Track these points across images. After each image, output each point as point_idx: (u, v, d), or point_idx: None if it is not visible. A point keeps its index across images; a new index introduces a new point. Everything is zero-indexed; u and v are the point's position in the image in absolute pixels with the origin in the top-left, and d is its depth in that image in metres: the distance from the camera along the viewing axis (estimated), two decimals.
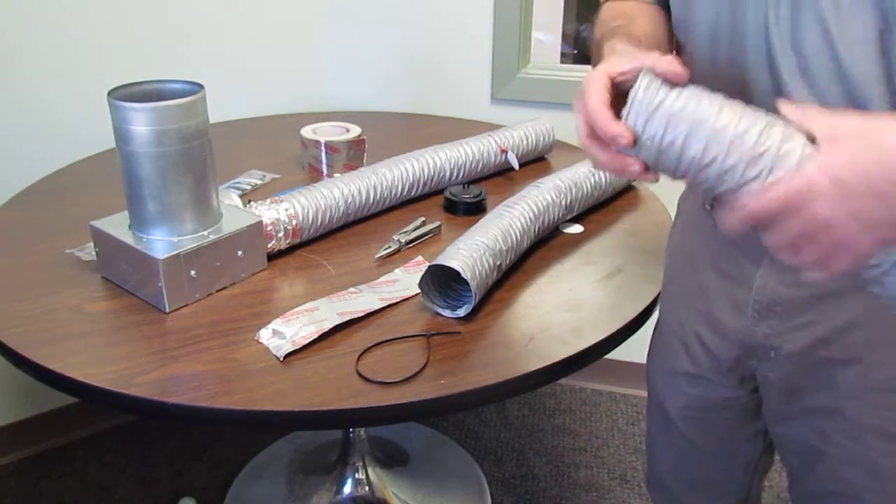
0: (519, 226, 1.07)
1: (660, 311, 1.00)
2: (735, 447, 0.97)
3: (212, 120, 1.00)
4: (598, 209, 1.30)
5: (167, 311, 0.97)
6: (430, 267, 0.96)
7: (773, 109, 0.65)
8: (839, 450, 0.81)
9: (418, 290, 0.98)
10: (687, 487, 1.03)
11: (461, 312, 0.97)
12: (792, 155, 0.57)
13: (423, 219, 1.21)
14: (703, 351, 0.90)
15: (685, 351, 0.92)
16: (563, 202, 1.18)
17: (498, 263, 1.01)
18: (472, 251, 0.97)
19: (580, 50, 2.52)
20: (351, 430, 1.57)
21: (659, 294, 1.04)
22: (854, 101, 0.66)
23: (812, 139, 0.58)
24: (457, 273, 0.94)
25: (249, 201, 1.11)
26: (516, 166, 1.42)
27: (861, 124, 0.56)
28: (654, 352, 1.02)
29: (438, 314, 0.98)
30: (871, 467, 0.80)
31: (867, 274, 0.63)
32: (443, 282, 1.00)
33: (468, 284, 0.94)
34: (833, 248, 0.57)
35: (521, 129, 1.46)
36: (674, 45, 0.86)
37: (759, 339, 0.82)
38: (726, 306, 0.85)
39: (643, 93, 0.61)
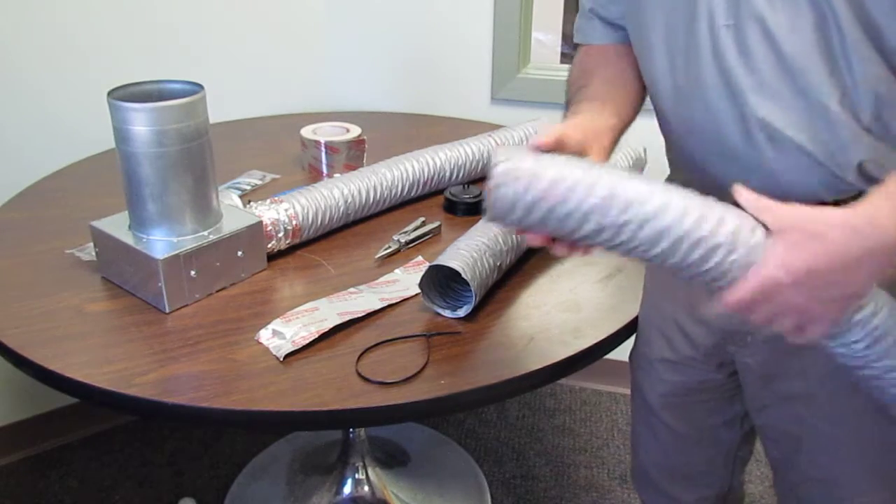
0: None
1: (640, 305, 1.01)
2: (715, 433, 0.99)
3: (212, 120, 1.00)
4: None
5: (167, 311, 0.97)
6: (430, 267, 0.96)
7: (739, 122, 0.72)
8: (816, 434, 0.84)
9: (418, 291, 0.98)
10: (669, 478, 1.05)
11: (461, 313, 0.97)
12: (753, 248, 0.64)
13: (423, 219, 1.21)
14: (682, 338, 0.92)
15: (664, 339, 0.94)
16: None
17: (498, 264, 1.01)
18: (472, 251, 0.97)
19: None
20: (351, 430, 1.57)
21: None
22: (804, 95, 0.69)
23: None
24: (457, 273, 0.94)
25: (249, 201, 1.11)
26: None
27: (807, 217, 0.63)
28: (634, 345, 1.04)
29: (438, 314, 0.98)
30: (847, 449, 0.83)
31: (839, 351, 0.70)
32: (443, 282, 1.00)
33: (468, 285, 0.94)
34: (804, 321, 0.65)
35: (521, 129, 1.45)
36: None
37: (737, 324, 0.84)
38: (704, 293, 0.86)
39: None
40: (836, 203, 0.68)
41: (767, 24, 0.68)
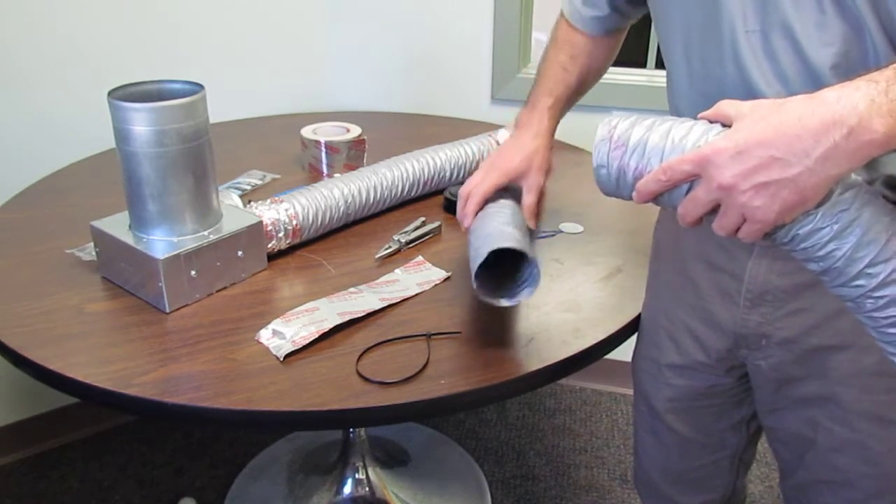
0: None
1: (643, 307, 1.01)
2: (721, 437, 0.98)
3: (212, 120, 1.00)
4: (598, 209, 1.30)
5: (167, 311, 0.97)
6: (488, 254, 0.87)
7: None
8: (830, 437, 0.83)
9: (418, 290, 0.98)
10: (674, 483, 1.04)
11: (523, 296, 0.88)
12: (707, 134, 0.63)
13: (423, 219, 1.21)
14: (693, 342, 0.91)
15: (673, 343, 0.93)
16: None
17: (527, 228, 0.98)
18: (505, 227, 0.90)
19: None
20: (351, 430, 1.57)
21: None
22: None
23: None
24: (515, 254, 0.87)
25: (249, 201, 1.11)
26: None
27: (770, 101, 0.59)
28: (637, 348, 1.03)
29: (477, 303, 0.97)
30: (862, 452, 0.81)
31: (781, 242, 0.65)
32: (493, 272, 0.90)
33: (524, 262, 0.87)
34: (739, 214, 0.61)
35: None
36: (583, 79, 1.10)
37: (751, 328, 0.84)
38: (717, 297, 0.86)
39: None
40: None
41: (795, 33, 0.67)
